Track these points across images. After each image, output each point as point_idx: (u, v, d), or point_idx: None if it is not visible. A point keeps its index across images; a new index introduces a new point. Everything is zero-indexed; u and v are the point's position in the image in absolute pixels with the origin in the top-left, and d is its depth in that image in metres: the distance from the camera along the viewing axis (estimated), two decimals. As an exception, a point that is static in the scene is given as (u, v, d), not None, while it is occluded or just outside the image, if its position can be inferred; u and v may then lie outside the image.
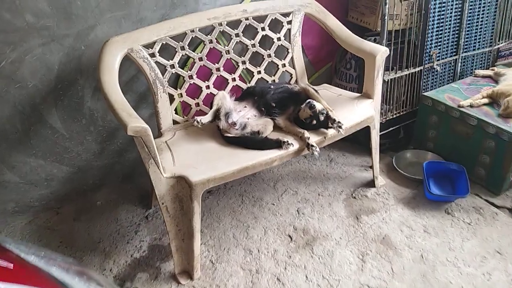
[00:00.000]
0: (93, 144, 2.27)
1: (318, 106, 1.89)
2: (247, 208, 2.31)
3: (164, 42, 2.00)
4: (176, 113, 2.08)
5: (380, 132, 2.42)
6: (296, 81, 2.46)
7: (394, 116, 2.59)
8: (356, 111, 2.09)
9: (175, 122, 2.11)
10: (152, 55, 1.97)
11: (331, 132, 1.93)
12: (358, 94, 2.27)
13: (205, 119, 1.89)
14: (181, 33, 2.03)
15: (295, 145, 1.83)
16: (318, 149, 1.82)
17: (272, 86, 2.09)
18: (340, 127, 1.86)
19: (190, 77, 2.11)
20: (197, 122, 1.84)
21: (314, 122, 1.90)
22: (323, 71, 2.88)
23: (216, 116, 1.94)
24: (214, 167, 1.70)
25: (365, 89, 2.22)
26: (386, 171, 2.58)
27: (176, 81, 2.24)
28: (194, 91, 2.17)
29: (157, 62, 1.99)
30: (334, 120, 1.88)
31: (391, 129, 2.62)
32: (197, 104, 2.17)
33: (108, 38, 1.87)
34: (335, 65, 2.86)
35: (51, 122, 2.11)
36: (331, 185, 2.46)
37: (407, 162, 2.61)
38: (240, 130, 1.92)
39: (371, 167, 2.45)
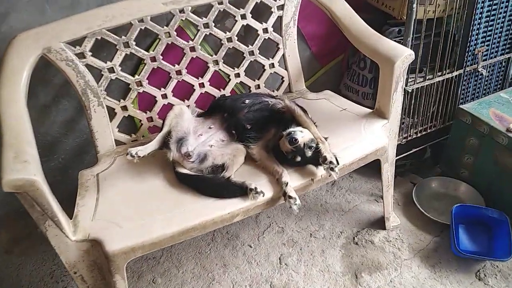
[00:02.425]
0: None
1: (304, 138, 1.37)
2: (217, 249, 1.85)
3: (99, 37, 1.49)
4: (137, 125, 1.60)
5: (398, 155, 1.87)
6: (289, 86, 1.91)
7: (419, 134, 2.01)
8: (362, 138, 1.54)
9: (119, 142, 1.63)
10: (81, 55, 1.47)
11: (321, 172, 1.41)
12: (369, 110, 1.70)
13: (145, 150, 1.40)
14: (125, 24, 1.51)
15: (267, 193, 1.33)
16: (298, 201, 1.31)
17: (247, 101, 1.56)
18: (332, 169, 1.33)
19: (139, 83, 1.60)
20: (131, 156, 1.35)
21: (298, 158, 1.38)
22: (331, 66, 2.29)
23: (166, 142, 1.44)
24: (146, 226, 1.24)
25: (378, 104, 1.65)
26: (402, 204, 2.04)
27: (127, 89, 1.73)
28: (148, 101, 1.67)
29: (88, 65, 1.49)
30: (325, 158, 1.35)
31: (413, 150, 2.05)
32: (150, 119, 1.68)
33: (23, 31, 1.38)
34: (347, 59, 2.26)
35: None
36: (328, 221, 1.96)
37: (431, 192, 2.06)
38: (198, 164, 1.43)
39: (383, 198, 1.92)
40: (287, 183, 1.34)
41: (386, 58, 1.54)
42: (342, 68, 2.31)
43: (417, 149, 2.05)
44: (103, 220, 1.26)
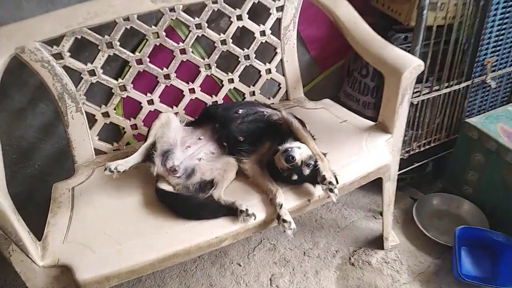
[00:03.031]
0: None
1: (302, 155, 1.26)
2: (204, 267, 1.74)
3: (79, 37, 1.35)
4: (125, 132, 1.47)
5: (399, 170, 1.76)
6: (287, 94, 1.79)
7: (422, 148, 1.91)
8: (364, 155, 1.43)
9: (100, 151, 1.51)
10: (58, 56, 1.34)
11: (319, 192, 1.29)
12: (371, 123, 1.59)
13: (125, 164, 1.28)
14: (109, 22, 1.38)
15: (259, 216, 1.21)
16: (293, 226, 1.20)
17: (240, 111, 1.44)
18: (331, 190, 1.22)
19: (123, 88, 1.48)
20: (110, 171, 1.22)
21: (295, 177, 1.27)
22: (331, 72, 2.18)
23: (150, 155, 1.32)
24: (123, 252, 1.12)
25: (382, 117, 1.54)
26: (402, 221, 1.94)
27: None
28: (134, 107, 1.55)
29: (66, 67, 1.36)
30: (324, 177, 1.24)
31: (416, 165, 1.94)
32: (134, 127, 1.55)
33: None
34: (348, 64, 2.15)
35: None
36: (323, 238, 1.85)
37: (433, 209, 1.97)
38: (184, 179, 1.32)
39: (382, 214, 1.82)
40: (282, 204, 1.22)
41: (392, 68, 1.43)
42: (342, 74, 2.20)
43: (419, 163, 1.94)
44: (75, 243, 1.14)
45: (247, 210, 1.19)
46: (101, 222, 1.21)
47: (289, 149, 1.24)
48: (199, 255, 1.20)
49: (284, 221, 1.19)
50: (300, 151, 1.26)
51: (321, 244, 1.83)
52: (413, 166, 1.93)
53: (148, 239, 1.14)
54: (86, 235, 1.16)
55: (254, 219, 1.20)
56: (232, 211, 1.21)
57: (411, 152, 1.87)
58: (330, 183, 1.23)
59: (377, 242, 1.81)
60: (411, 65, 1.41)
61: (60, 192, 1.33)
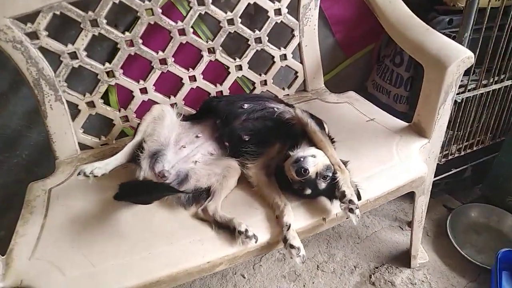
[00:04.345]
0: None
1: (318, 166, 1.05)
2: (204, 277, 1.57)
3: (58, 13, 1.16)
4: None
5: (434, 176, 1.53)
6: (304, 84, 1.56)
7: (463, 153, 1.65)
8: (394, 164, 1.21)
9: (85, 146, 1.33)
10: (33, 35, 1.16)
11: (336, 210, 1.08)
12: (404, 124, 1.35)
13: (105, 166, 1.09)
14: (94, -4, 1.18)
15: (261, 237, 1.02)
16: (302, 252, 1.00)
17: (246, 105, 1.23)
18: (351, 210, 1.01)
19: (110, 73, 1.28)
20: (84, 175, 1.04)
21: (308, 191, 1.06)
22: (358, 58, 1.92)
23: (135, 156, 1.13)
24: (96, 276, 0.95)
25: (418, 117, 1.31)
26: (433, 234, 1.72)
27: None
28: (125, 97, 1.36)
29: (42, 49, 1.17)
30: (344, 194, 1.02)
31: (454, 171, 1.69)
32: (125, 119, 1.37)
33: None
34: (379, 50, 1.89)
35: None
36: (340, 250, 1.65)
37: (469, 222, 1.75)
38: (176, 186, 1.12)
39: (410, 225, 1.61)
40: (290, 225, 1.02)
41: (435, 59, 1.19)
42: (371, 62, 1.94)
43: (458, 169, 1.70)
44: (44, 260, 0.98)
45: (246, 230, 1.00)
46: (77, 235, 1.05)
47: (301, 159, 1.03)
48: (188, 280, 1.01)
49: (292, 246, 0.99)
50: (315, 161, 1.05)
51: (338, 257, 1.63)
52: (451, 173, 1.68)
53: (128, 261, 0.97)
54: (58, 251, 1.01)
55: (256, 242, 1.00)
56: (227, 229, 1.02)
57: (449, 157, 1.62)
58: (350, 201, 1.02)
59: (403, 259, 1.60)
60: (459, 57, 1.16)
61: (34, 194, 1.18)
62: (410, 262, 1.57)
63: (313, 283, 1.54)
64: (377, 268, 1.58)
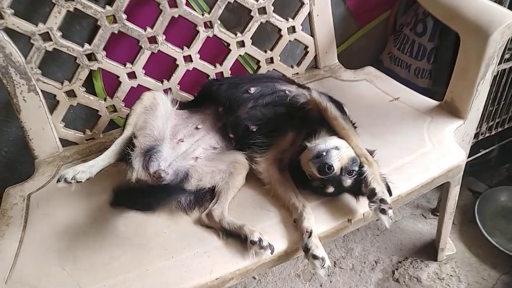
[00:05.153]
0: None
1: (343, 160, 0.90)
2: (210, 278, 1.44)
3: (24, -15, 0.97)
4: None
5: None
6: (316, 60, 1.39)
7: (494, 131, 1.49)
8: (427, 151, 1.06)
9: (68, 142, 1.17)
10: (-6, 14, 0.97)
11: (363, 210, 0.93)
12: (434, 103, 1.19)
13: (89, 169, 0.94)
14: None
15: (278, 246, 0.87)
16: (327, 263, 0.85)
17: (252, 89, 1.07)
18: (383, 211, 0.85)
19: (92, 56, 1.10)
20: (65, 181, 0.88)
21: (331, 189, 0.91)
22: (372, 27, 1.73)
23: (125, 156, 0.97)
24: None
25: (451, 95, 1.15)
26: (459, 222, 1.59)
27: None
28: (112, 83, 1.19)
29: (8, 30, 0.99)
30: (374, 192, 0.87)
31: (482, 152, 1.54)
32: (113, 109, 1.20)
33: None
34: (395, 19, 1.70)
35: None
36: (359, 244, 1.52)
37: (498, 207, 1.62)
38: (175, 186, 0.97)
39: (435, 212, 1.48)
40: (311, 231, 0.87)
41: (474, 26, 1.02)
42: (387, 30, 1.75)
43: (487, 150, 1.54)
44: (22, 284, 0.84)
45: (260, 240, 0.85)
46: (61, 250, 0.90)
47: (324, 154, 0.87)
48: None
49: (315, 257, 0.85)
50: (339, 154, 0.89)
51: (356, 251, 1.50)
52: (479, 154, 1.53)
53: (121, 281, 0.83)
54: (39, 271, 0.87)
55: (272, 253, 0.86)
56: (238, 238, 0.87)
57: (480, 137, 1.46)
58: (382, 200, 0.86)
59: (428, 251, 1.48)
60: (503, 22, 1.00)
61: (11, 202, 1.03)
62: (437, 255, 1.44)
63: (330, 281, 1.42)
64: (400, 262, 1.46)
